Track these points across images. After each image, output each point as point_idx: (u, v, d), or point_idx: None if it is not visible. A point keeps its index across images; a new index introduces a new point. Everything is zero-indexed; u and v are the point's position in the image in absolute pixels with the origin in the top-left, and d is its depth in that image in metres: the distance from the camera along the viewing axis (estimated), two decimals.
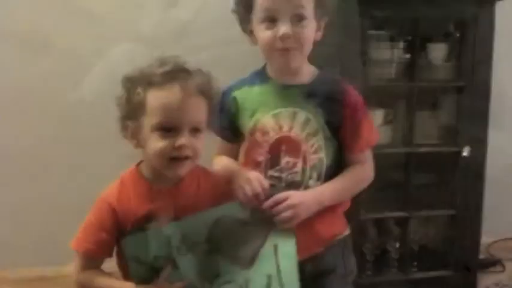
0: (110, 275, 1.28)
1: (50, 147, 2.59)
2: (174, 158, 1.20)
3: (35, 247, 2.56)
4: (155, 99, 1.19)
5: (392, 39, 2.35)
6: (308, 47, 1.45)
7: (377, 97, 2.36)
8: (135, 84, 1.22)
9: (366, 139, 1.51)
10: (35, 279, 2.60)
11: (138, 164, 1.33)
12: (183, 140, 1.18)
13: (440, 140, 2.46)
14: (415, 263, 2.50)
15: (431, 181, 2.54)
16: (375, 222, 2.50)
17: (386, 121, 2.39)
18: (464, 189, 2.40)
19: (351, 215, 2.33)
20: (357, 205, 2.33)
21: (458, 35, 2.41)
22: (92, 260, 1.27)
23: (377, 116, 2.36)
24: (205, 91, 1.25)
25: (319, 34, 1.50)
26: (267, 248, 1.34)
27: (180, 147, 1.19)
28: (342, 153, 1.53)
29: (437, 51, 2.42)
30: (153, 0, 2.61)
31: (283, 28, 1.37)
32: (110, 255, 1.30)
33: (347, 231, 1.60)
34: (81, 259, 1.27)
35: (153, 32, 2.58)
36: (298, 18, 1.39)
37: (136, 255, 1.21)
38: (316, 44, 1.50)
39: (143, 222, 1.24)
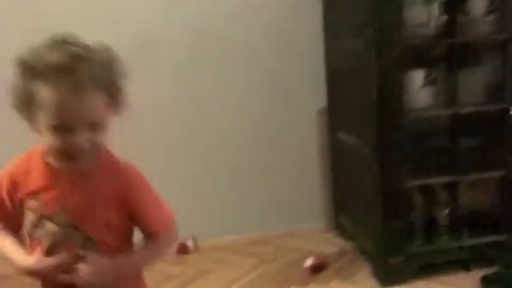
0: (12, 240, 1.25)
1: None
2: (69, 155, 1.14)
3: None
4: (45, 96, 1.08)
5: None
6: None
7: (416, 57, 2.26)
8: (26, 71, 1.11)
9: None
10: None
11: None
12: (78, 138, 1.10)
13: (486, 98, 2.35)
14: (466, 229, 2.41)
15: (478, 142, 2.43)
16: (421, 189, 2.41)
17: (427, 82, 2.28)
18: None
19: (395, 184, 2.29)
20: (401, 173, 2.27)
21: None
22: None
23: (417, 77, 2.26)
24: (101, 80, 1.12)
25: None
26: None
27: (77, 147, 1.11)
28: None
29: (477, 5, 2.29)
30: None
31: None
32: (9, 222, 1.26)
33: None
34: None
35: None
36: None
37: None
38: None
39: (27, 198, 1.20)
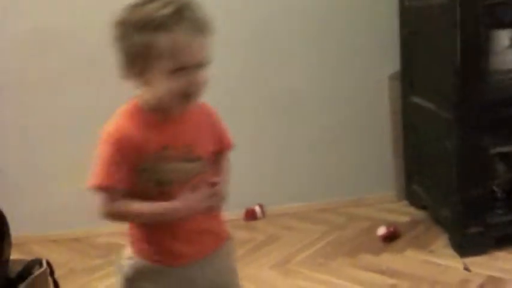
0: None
1: None
2: (187, 95, 1.24)
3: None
4: (167, 42, 1.18)
5: None
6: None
7: (502, 16, 2.12)
8: (138, 28, 1.19)
9: None
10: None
11: (132, 101, 1.31)
12: (198, 77, 1.22)
13: None
14: None
15: None
16: (503, 156, 2.29)
17: None
18: None
19: (476, 150, 2.18)
20: (483, 138, 2.16)
21: None
22: (116, 193, 1.26)
23: (503, 37, 2.12)
24: (203, 21, 1.23)
25: None
26: None
27: (196, 85, 1.23)
28: None
29: None
30: None
31: None
32: (127, 187, 1.27)
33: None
34: (106, 194, 1.26)
35: None
36: None
37: None
38: None
39: (160, 151, 1.26)
